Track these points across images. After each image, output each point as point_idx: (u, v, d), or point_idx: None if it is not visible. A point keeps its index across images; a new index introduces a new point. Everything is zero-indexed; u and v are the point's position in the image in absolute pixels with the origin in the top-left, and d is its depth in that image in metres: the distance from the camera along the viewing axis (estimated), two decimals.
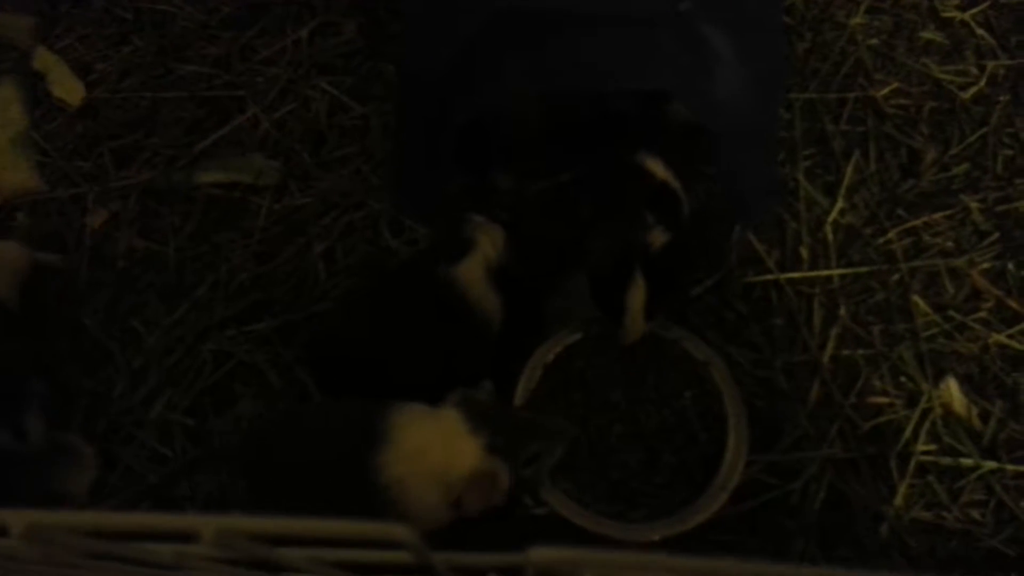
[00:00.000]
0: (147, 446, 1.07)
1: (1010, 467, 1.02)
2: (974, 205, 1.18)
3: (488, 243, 1.00)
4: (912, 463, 1.03)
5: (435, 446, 0.84)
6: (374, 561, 0.31)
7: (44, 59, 1.38)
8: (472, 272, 0.98)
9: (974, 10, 1.33)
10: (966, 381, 1.08)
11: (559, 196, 1.19)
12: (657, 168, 1.04)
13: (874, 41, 1.32)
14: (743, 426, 1.00)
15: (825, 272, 1.16)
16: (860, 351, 1.10)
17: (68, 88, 1.35)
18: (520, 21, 0.95)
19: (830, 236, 1.18)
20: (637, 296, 0.96)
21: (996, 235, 1.16)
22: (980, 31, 1.32)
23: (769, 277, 1.15)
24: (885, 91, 1.27)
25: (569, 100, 1.16)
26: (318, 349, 1.07)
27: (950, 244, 1.16)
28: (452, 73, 1.03)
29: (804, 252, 1.17)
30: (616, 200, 1.03)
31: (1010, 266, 1.14)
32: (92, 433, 1.07)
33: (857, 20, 1.33)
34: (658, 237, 0.97)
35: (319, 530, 0.25)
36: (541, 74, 0.98)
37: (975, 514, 1.00)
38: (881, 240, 1.17)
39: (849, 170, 1.22)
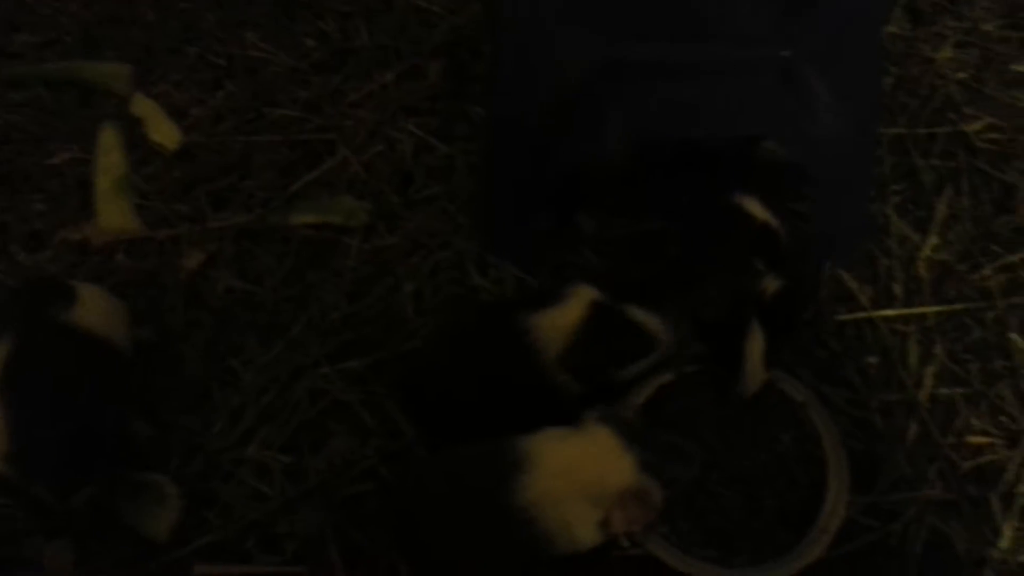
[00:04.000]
0: (246, 483, 1.09)
1: None
2: None
3: (577, 305, 0.99)
4: (1016, 505, 1.00)
5: (587, 463, 0.84)
6: None
7: (141, 105, 1.44)
8: (551, 325, 0.98)
9: None
10: None
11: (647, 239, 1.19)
12: (756, 208, 1.04)
13: (963, 75, 1.30)
14: (843, 468, 0.99)
15: (920, 309, 1.14)
16: (958, 390, 1.08)
17: (165, 133, 1.41)
18: (620, 70, 0.96)
19: (923, 273, 1.16)
20: (756, 345, 0.96)
21: None
22: None
23: (862, 315, 1.14)
24: (977, 126, 1.26)
25: (656, 141, 1.17)
26: (410, 384, 1.08)
27: None
28: (548, 118, 1.05)
29: (897, 289, 1.16)
30: (721, 246, 1.03)
31: None
32: (188, 471, 1.10)
33: (944, 54, 1.32)
34: (772, 284, 0.97)
35: None
36: (641, 122, 1.00)
37: None
38: (976, 276, 1.15)
39: (941, 205, 1.20)
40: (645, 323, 0.97)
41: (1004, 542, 0.98)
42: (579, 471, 0.84)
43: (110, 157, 1.38)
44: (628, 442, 0.85)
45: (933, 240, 1.18)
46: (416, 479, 0.98)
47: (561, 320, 0.98)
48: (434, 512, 0.91)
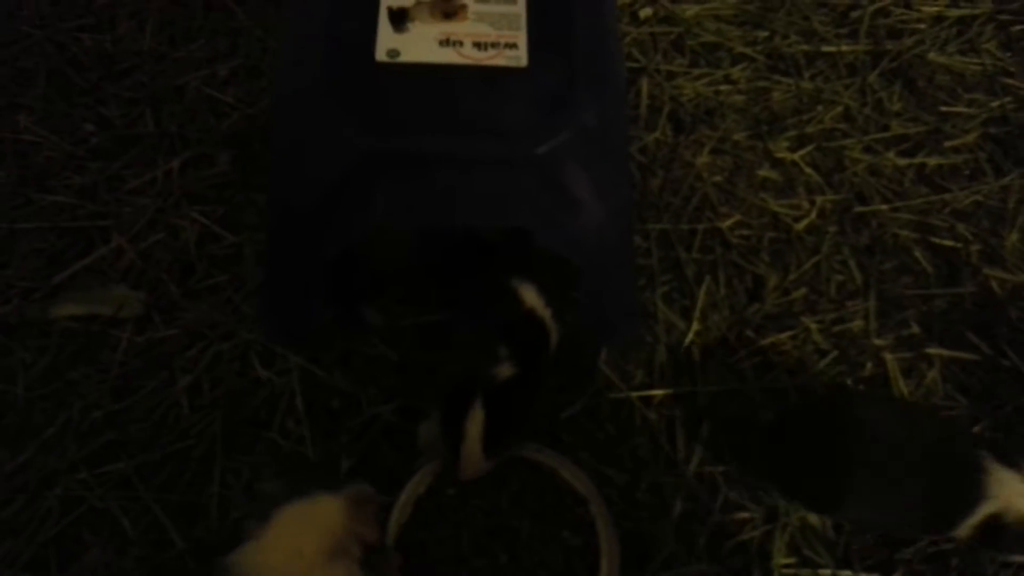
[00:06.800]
0: None
1: (863, 575, 1.08)
2: (813, 326, 1.29)
3: None
4: None
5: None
6: None
7: None
8: None
9: (802, 151, 1.50)
10: None
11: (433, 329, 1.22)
12: (528, 295, 1.08)
13: (718, 178, 1.45)
14: (616, 555, 1.02)
15: (686, 390, 1.22)
16: (719, 468, 1.16)
17: None
18: (387, 161, 0.99)
19: (688, 357, 1.25)
20: (475, 427, 0.98)
21: (835, 353, 1.27)
22: (808, 170, 1.48)
23: (635, 395, 1.21)
24: (729, 222, 1.39)
25: (438, 234, 1.21)
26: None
27: (794, 362, 1.26)
28: (321, 208, 1.06)
29: (666, 372, 1.23)
30: (474, 326, 1.06)
31: (848, 381, 1.24)
32: None
33: (702, 159, 1.47)
34: (504, 371, 1.00)
35: None
36: (407, 211, 1.02)
37: None
38: (733, 359, 1.26)
39: (701, 295, 1.31)
40: None
41: None
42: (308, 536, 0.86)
43: None
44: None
45: (695, 326, 1.28)
46: None
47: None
48: None
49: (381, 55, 1.04)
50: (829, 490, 1.03)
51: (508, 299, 1.08)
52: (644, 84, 1.59)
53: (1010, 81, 1.63)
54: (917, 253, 1.37)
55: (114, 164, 1.38)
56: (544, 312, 1.09)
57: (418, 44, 1.06)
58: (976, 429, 1.20)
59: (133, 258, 1.27)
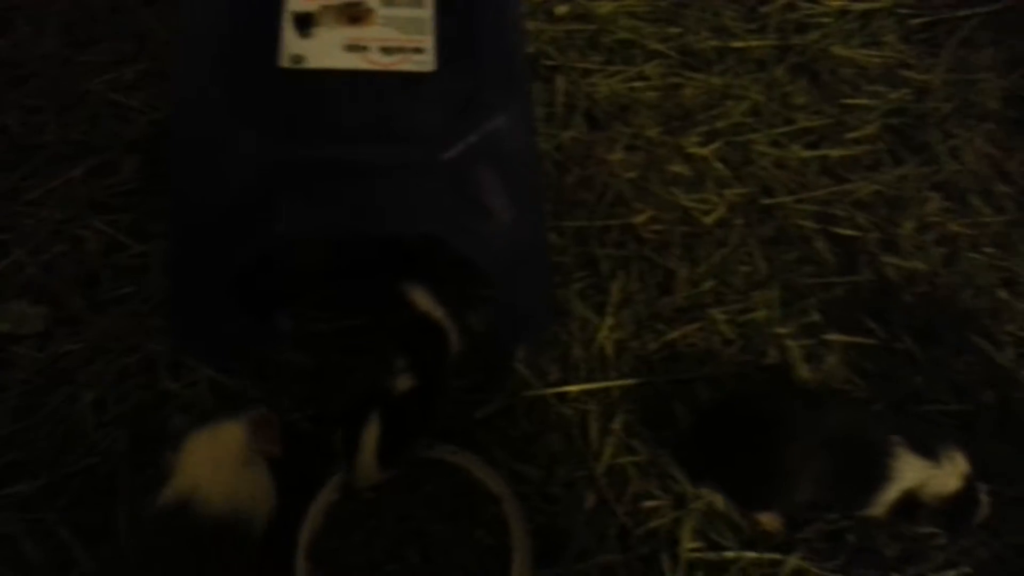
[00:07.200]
0: None
1: (766, 555, 1.12)
2: (720, 317, 1.32)
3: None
4: (682, 561, 1.10)
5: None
6: None
7: None
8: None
9: (712, 146, 1.53)
10: None
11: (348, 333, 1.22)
12: (422, 300, 1.09)
13: (631, 174, 1.48)
14: (526, 551, 1.04)
15: (599, 384, 1.25)
16: (630, 458, 1.18)
17: None
18: (292, 170, 0.98)
19: (602, 351, 1.28)
20: (371, 438, 0.99)
21: (741, 343, 1.31)
22: (717, 164, 1.51)
23: (550, 391, 1.22)
24: (642, 218, 1.42)
25: (351, 241, 1.21)
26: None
27: (702, 352, 1.29)
28: (226, 218, 1.04)
29: (581, 367, 1.26)
30: (374, 334, 1.07)
31: (753, 369, 1.28)
32: None
33: (616, 156, 1.49)
34: (403, 382, 1.01)
35: None
36: (314, 220, 1.02)
37: None
38: (645, 352, 1.29)
39: (615, 289, 1.33)
40: None
41: None
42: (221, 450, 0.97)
43: None
44: None
45: (609, 321, 1.30)
46: None
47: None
48: None
49: (285, 61, 1.03)
50: (766, 486, 1.09)
51: (400, 304, 1.09)
52: (560, 82, 1.61)
53: (909, 73, 1.69)
54: (818, 243, 1.42)
55: (13, 175, 1.34)
56: (438, 313, 1.10)
57: (323, 50, 1.05)
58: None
59: (34, 272, 1.24)
